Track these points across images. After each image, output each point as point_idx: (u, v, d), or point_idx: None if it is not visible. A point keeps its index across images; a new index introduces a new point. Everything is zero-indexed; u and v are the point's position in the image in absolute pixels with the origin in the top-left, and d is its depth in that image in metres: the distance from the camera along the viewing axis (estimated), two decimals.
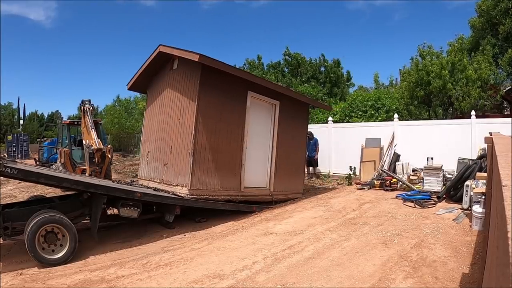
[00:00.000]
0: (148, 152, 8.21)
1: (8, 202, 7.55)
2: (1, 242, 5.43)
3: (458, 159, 8.61)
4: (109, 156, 8.94)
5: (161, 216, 6.64)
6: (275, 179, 8.12)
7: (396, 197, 7.93)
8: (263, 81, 8.30)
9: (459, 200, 7.00)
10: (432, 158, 8.74)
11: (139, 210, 5.91)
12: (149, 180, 7.87)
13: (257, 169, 7.84)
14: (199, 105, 6.54)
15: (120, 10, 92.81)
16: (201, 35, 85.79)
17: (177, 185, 6.78)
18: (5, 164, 4.65)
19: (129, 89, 9.01)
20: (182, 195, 6.52)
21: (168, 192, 6.81)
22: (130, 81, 8.76)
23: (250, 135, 7.48)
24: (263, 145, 7.98)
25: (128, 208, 5.82)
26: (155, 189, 6.93)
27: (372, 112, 13.59)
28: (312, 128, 13.59)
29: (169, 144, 7.30)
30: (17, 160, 8.55)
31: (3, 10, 74.50)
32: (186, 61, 6.85)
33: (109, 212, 6.34)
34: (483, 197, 5.22)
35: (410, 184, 8.85)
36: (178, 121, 7.04)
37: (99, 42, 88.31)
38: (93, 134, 8.97)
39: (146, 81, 8.67)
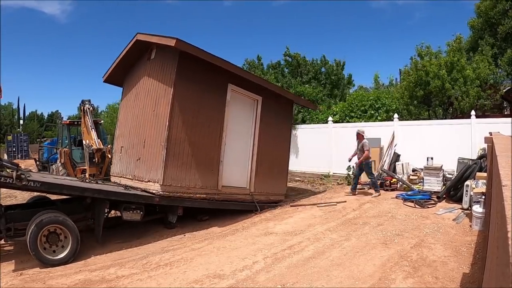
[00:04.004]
0: (122, 147, 7.76)
1: (9, 202, 7.56)
2: (1, 242, 5.43)
3: (458, 159, 8.61)
4: (109, 156, 8.93)
5: (164, 217, 6.63)
6: (256, 179, 7.69)
7: (396, 197, 7.92)
8: (245, 73, 7.77)
9: (459, 200, 7.00)
10: (432, 158, 8.74)
11: (142, 213, 5.89)
12: (121, 177, 7.42)
13: (237, 167, 7.41)
14: (175, 95, 6.12)
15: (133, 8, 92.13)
16: (207, 35, 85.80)
17: (149, 181, 6.33)
18: (28, 178, 4.70)
19: (104, 81, 8.51)
20: (153, 191, 6.09)
21: (137, 189, 6.41)
22: (106, 72, 8.26)
23: (230, 130, 7.08)
24: (243, 142, 7.56)
25: (131, 211, 5.80)
26: (125, 187, 6.56)
27: (372, 112, 13.59)
28: (312, 128, 13.62)
29: (142, 138, 6.85)
30: (33, 170, 8.50)
31: (16, 3, 74.14)
32: (164, 49, 6.56)
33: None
34: (483, 197, 5.22)
35: (410, 184, 8.85)
36: (153, 113, 6.61)
37: (106, 39, 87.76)
38: (93, 134, 8.98)
39: (123, 73, 8.21)
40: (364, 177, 10.46)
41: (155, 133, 6.47)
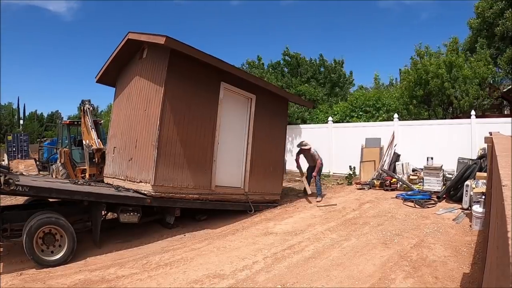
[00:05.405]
0: (114, 147, 7.68)
1: (9, 202, 7.55)
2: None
3: (458, 159, 8.61)
4: None
5: (162, 218, 6.62)
6: (251, 178, 7.59)
7: (396, 197, 7.93)
8: (238, 71, 7.58)
9: (459, 200, 7.00)
10: (432, 158, 8.74)
11: (139, 215, 5.87)
12: (114, 177, 7.35)
13: (231, 167, 7.31)
14: (166, 94, 6.03)
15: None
16: (212, 35, 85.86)
17: (140, 182, 6.24)
18: (17, 183, 4.68)
19: (97, 81, 8.40)
20: (145, 192, 6.00)
21: (129, 190, 6.34)
22: (99, 73, 8.16)
23: (223, 129, 6.99)
24: (237, 141, 7.48)
25: (128, 213, 5.77)
26: (117, 188, 6.48)
27: (373, 112, 13.59)
28: (313, 128, 13.62)
29: (134, 138, 6.79)
30: (24, 173, 8.45)
31: (20, 2, 73.97)
32: (155, 48, 6.49)
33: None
34: (483, 197, 5.22)
35: (410, 184, 8.85)
36: (144, 112, 6.54)
37: (111, 39, 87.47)
38: (93, 134, 8.98)
39: (115, 73, 8.12)
40: (364, 177, 10.48)
41: (146, 133, 6.40)
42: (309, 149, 8.88)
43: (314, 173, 8.72)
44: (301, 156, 9.02)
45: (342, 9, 76.73)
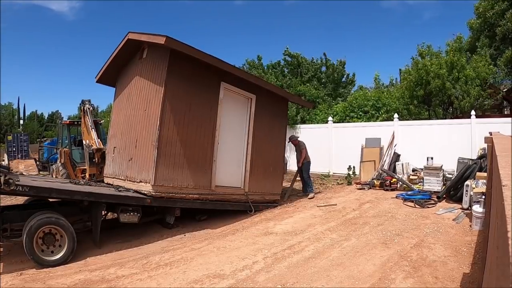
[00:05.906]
0: (114, 147, 7.71)
1: (8, 202, 7.55)
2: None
3: (458, 159, 8.61)
4: None
5: (162, 218, 6.62)
6: (251, 178, 7.61)
7: (396, 197, 7.93)
8: (238, 71, 7.55)
9: (459, 200, 7.00)
10: (432, 158, 8.74)
11: (139, 215, 5.87)
12: (114, 177, 7.37)
13: (231, 167, 7.32)
14: (166, 94, 6.04)
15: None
16: (216, 35, 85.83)
17: (140, 182, 6.26)
18: (17, 183, 4.67)
19: (97, 81, 8.43)
20: (145, 192, 6.02)
21: (129, 190, 6.35)
22: (99, 73, 8.19)
23: (223, 129, 7.01)
24: (237, 141, 7.50)
25: (128, 213, 5.77)
26: (117, 188, 6.47)
27: (373, 112, 13.59)
28: (313, 128, 13.64)
29: (134, 138, 6.81)
30: (24, 173, 8.44)
31: (23, 2, 73.89)
32: (155, 48, 6.53)
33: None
34: (483, 196, 5.21)
35: (410, 184, 8.85)
36: (144, 112, 6.55)
37: (113, 38, 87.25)
38: (93, 134, 8.98)
39: (115, 73, 8.16)
40: (364, 177, 10.48)
41: (146, 133, 6.41)
42: (297, 141, 9.53)
43: (299, 164, 9.27)
44: (294, 151, 9.63)
45: (344, 9, 76.86)
